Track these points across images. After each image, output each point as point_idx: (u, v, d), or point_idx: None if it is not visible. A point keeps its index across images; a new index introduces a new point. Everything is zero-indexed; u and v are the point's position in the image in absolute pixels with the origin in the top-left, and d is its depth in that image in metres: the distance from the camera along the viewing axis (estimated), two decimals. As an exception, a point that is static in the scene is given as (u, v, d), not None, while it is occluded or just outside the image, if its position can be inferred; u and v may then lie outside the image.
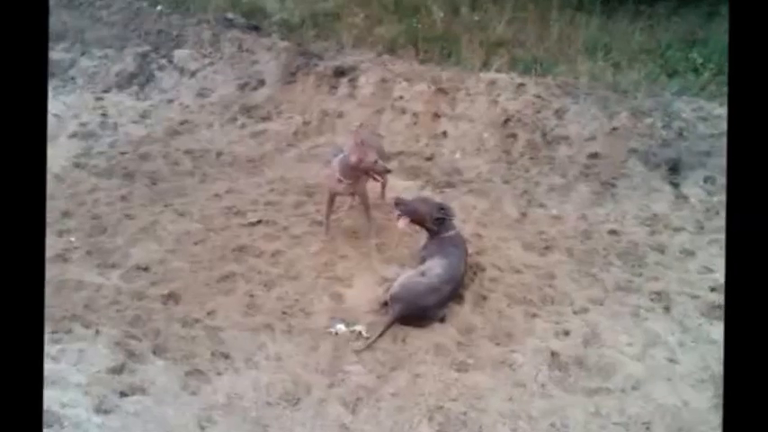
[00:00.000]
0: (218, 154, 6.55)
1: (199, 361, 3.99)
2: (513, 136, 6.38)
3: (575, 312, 4.40)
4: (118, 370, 3.80)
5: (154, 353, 4.02)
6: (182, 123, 7.15)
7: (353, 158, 4.83)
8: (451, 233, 4.67)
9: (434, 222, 4.73)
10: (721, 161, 5.75)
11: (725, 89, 6.31)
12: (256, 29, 8.22)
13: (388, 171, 5.06)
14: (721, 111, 6.08)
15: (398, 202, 4.76)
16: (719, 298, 4.39)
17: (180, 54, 8.00)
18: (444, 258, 4.49)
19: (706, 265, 4.85)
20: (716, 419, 3.53)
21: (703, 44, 7.07)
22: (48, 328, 4.04)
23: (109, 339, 4.04)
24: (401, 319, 4.28)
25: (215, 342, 4.16)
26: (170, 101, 7.61)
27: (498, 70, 6.94)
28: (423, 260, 4.61)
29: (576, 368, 3.95)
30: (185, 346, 4.11)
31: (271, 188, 5.93)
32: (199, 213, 5.49)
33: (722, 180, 5.64)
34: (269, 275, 4.74)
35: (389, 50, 7.55)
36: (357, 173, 4.90)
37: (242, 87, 7.55)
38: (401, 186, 5.79)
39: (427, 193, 5.80)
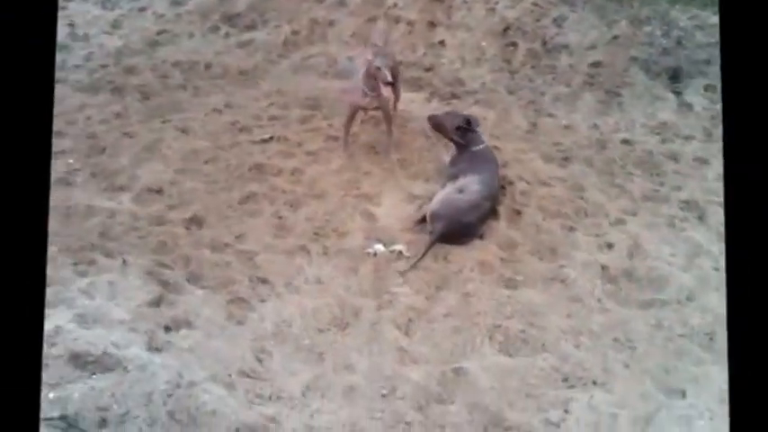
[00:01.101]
0: (207, 66, 5.95)
1: (238, 288, 3.60)
2: (514, 45, 5.98)
3: (611, 224, 4.16)
4: (156, 302, 3.38)
5: (189, 281, 3.61)
6: (159, 33, 6.50)
7: (382, 65, 4.37)
8: (481, 147, 4.31)
9: (456, 133, 4.36)
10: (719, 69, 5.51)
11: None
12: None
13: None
14: (716, 19, 5.78)
15: (429, 117, 4.40)
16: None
17: (148, -41, 7.20)
18: (479, 174, 4.15)
19: (722, 173, 4.63)
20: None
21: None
22: (68, 259, 3.59)
23: (138, 269, 3.59)
24: (442, 236, 3.95)
25: (250, 267, 3.78)
26: (142, 9, 6.89)
27: (492, -24, 6.45)
28: (454, 176, 4.25)
29: (626, 281, 3.73)
30: (220, 272, 3.70)
31: (270, 102, 5.42)
32: (202, 130, 4.96)
33: (726, 88, 5.41)
34: (293, 195, 4.32)
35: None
36: (378, 83, 4.45)
37: (220, -6, 6.86)
38: (406, 98, 5.35)
39: (434, 104, 5.40)
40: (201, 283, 3.60)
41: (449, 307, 3.58)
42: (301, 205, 4.25)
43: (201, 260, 3.76)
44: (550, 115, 5.39)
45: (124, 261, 3.63)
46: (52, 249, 3.63)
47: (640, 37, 5.77)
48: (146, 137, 4.82)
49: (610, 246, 3.95)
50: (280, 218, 4.15)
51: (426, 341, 3.40)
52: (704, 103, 5.37)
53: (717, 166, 4.74)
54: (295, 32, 6.37)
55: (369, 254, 3.93)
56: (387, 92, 4.58)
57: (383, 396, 3.10)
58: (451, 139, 4.43)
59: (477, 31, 6.09)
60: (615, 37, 5.80)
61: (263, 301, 3.56)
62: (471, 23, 6.13)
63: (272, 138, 4.86)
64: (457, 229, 3.96)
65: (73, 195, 4.19)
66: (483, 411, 3.00)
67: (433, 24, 6.23)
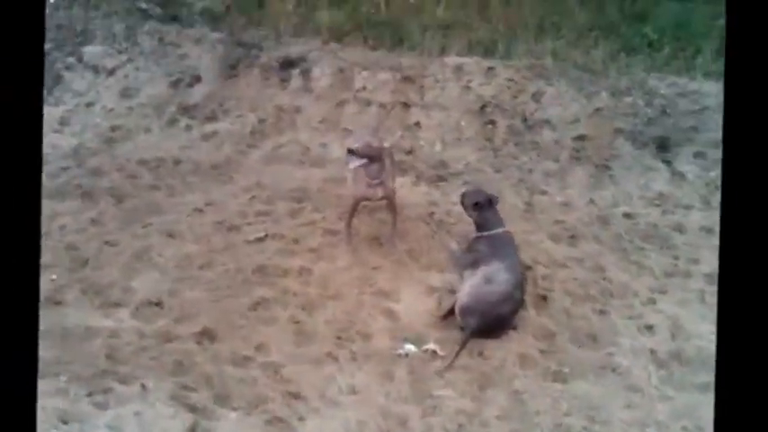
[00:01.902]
0: (176, 162, 5.86)
1: (272, 406, 3.51)
2: (492, 123, 6.14)
3: (643, 304, 4.26)
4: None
5: (217, 403, 3.47)
6: (113, 129, 6.37)
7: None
8: (500, 230, 4.36)
9: (475, 210, 4.39)
10: (707, 136, 5.83)
11: (690, 63, 6.47)
12: (176, 19, 7.46)
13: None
14: (695, 86, 6.15)
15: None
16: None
17: (91, 51, 7.11)
18: (502, 260, 4.18)
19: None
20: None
21: (653, 19, 7.13)
22: (81, 390, 3.41)
23: (161, 394, 3.44)
24: (477, 331, 3.95)
25: (278, 381, 3.69)
26: (89, 104, 6.74)
27: (459, 54, 6.66)
28: (474, 263, 4.27)
29: (678, 364, 3.81)
30: (248, 390, 3.59)
31: (251, 196, 5.36)
32: (189, 232, 4.86)
33: (713, 155, 5.71)
34: (306, 297, 4.26)
35: (334, 38, 7.06)
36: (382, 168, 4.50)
37: (174, 85, 6.79)
38: None
39: (423, 188, 5.47)
40: (232, 404, 3.47)
41: (500, 408, 3.58)
42: (317, 307, 4.19)
43: (225, 378, 3.64)
44: (543, 192, 5.53)
45: (143, 386, 3.47)
46: (61, 380, 3.46)
47: (623, 108, 6.03)
48: (131, 244, 4.67)
49: (649, 328, 4.04)
50: (297, 323, 4.07)
51: (484, 447, 3.36)
52: (696, 171, 5.62)
53: (723, 235, 4.94)
54: (261, 121, 6.36)
55: (400, 355, 3.89)
56: (391, 181, 4.63)
57: None
58: (471, 216, 4.44)
59: (453, 111, 6.23)
60: (597, 109, 6.05)
61: (301, 419, 3.45)
62: (446, 103, 6.27)
63: (266, 236, 4.79)
64: (491, 323, 3.97)
65: (66, 315, 4.01)
66: None
67: (406, 105, 6.34)
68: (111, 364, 3.66)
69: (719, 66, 6.18)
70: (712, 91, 5.96)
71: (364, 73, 6.54)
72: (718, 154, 5.63)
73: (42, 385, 3.31)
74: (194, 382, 3.58)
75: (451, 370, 3.80)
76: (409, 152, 6.02)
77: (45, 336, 3.74)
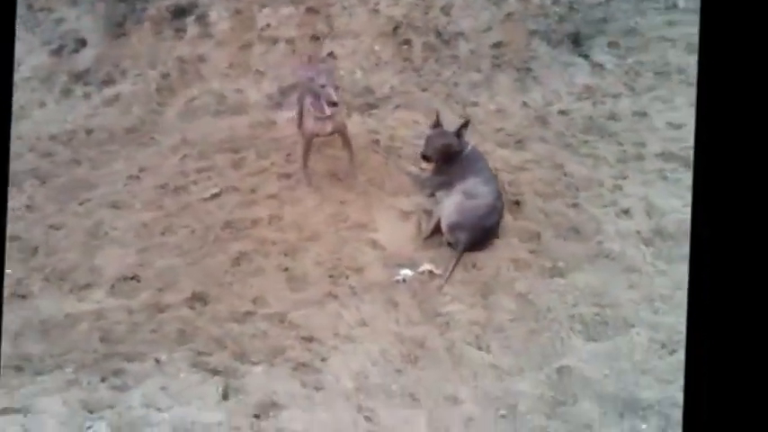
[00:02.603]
0: (88, 132, 5.57)
1: (292, 354, 3.49)
2: (408, 42, 6.16)
3: (610, 191, 4.48)
4: (226, 395, 3.20)
5: (239, 361, 3.42)
6: (3, 109, 5.94)
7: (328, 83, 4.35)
8: (468, 148, 4.42)
9: (459, 144, 4.38)
10: (616, 25, 6.14)
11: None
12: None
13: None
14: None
15: (425, 156, 4.41)
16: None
17: (-49, 29, 6.55)
18: (478, 175, 4.26)
19: (669, 121, 5.14)
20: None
21: None
22: (94, 377, 3.29)
23: (181, 364, 3.36)
24: (469, 245, 4.05)
25: (288, 328, 3.66)
26: (-34, 86, 6.25)
27: (360, -23, 6.60)
28: (447, 183, 4.33)
29: (661, 240, 4.06)
30: (262, 343, 3.56)
31: (182, 155, 5.19)
32: (135, 201, 4.67)
33: (626, 43, 6.00)
34: (286, 244, 4.21)
35: (221, -23, 6.82)
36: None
37: (56, 53, 6.37)
38: None
39: (356, 118, 5.47)
40: (252, 360, 3.43)
41: (511, 312, 3.71)
42: (299, 251, 4.16)
43: (235, 336, 3.58)
44: (474, 104, 5.66)
45: (157, 360, 3.37)
46: (67, 372, 3.32)
47: (532, 9, 6.19)
48: (79, 224, 4.45)
49: (626, 211, 4.27)
50: (285, 270, 4.03)
51: (509, 351, 3.50)
52: (614, 60, 5.89)
53: (657, 117, 5.25)
54: (165, 76, 6.10)
55: (398, 281, 3.95)
56: (336, 112, 4.56)
57: (503, 417, 3.17)
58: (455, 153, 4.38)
59: (365, 36, 6.20)
60: (508, 14, 6.18)
61: (324, 359, 3.46)
62: (357, 29, 6.23)
63: (220, 191, 4.68)
64: (480, 235, 4.08)
65: (38, 307, 3.80)
66: (613, 399, 3.17)
67: (316, 38, 6.26)
68: (111, 346, 3.52)
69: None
70: (615, -19, 6.23)
71: (265, 10, 6.37)
72: (630, 41, 5.97)
73: (50, 381, 3.20)
74: (206, 347, 3.51)
75: (451, 285, 3.89)
76: (330, 84, 5.97)
77: (24, 331, 3.60)
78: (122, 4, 6.57)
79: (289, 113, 5.34)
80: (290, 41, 6.25)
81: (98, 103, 5.97)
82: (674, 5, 6.25)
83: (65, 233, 4.39)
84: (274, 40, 6.26)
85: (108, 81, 6.17)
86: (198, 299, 3.85)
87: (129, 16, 6.50)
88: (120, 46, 6.39)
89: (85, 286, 3.97)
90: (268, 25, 6.32)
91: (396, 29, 6.22)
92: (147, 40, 6.38)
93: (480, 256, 4.08)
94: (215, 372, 3.32)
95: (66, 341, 3.57)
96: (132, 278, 4.01)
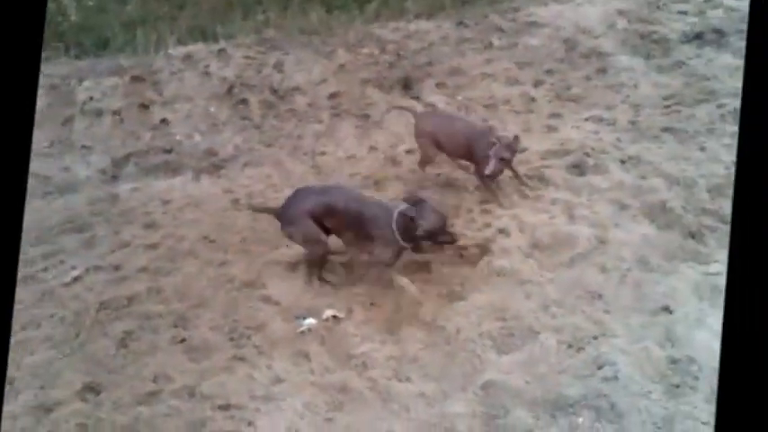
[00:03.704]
0: None
1: (218, 425, 3.30)
2: (244, 101, 6.18)
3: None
4: None
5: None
6: None
7: None
8: None
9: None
10: (441, 68, 6.50)
11: (400, 6, 7.07)
12: None
13: None
14: (414, 26, 6.77)
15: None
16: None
17: None
18: None
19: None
20: None
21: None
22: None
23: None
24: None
25: (205, 400, 3.45)
26: None
27: (182, 43, 6.55)
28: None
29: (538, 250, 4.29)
30: (184, 419, 3.33)
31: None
32: None
33: (453, 82, 6.36)
34: (175, 314, 4.00)
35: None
36: None
37: None
38: (164, 186, 5.29)
39: (205, 182, 5.38)
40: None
41: (421, 340, 3.73)
42: (191, 320, 3.97)
43: (147, 420, 3.32)
44: (322, 153, 5.73)
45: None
46: None
47: (362, 59, 6.42)
48: None
49: (502, 231, 4.48)
50: (182, 341, 3.82)
51: (429, 378, 3.52)
52: (444, 99, 6.19)
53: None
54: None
55: (304, 332, 3.86)
56: None
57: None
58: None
59: (198, 99, 6.14)
60: (341, 66, 6.37)
61: (250, 423, 3.29)
62: (189, 93, 6.16)
63: (80, 273, 4.38)
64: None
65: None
66: (542, 403, 3.28)
67: (144, 106, 6.10)
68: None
69: (427, 3, 6.90)
70: (431, 28, 6.61)
71: (86, 83, 6.14)
72: (456, 80, 6.34)
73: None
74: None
75: (357, 327, 3.86)
76: (168, 150, 5.83)
77: None
78: None
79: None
80: (116, 112, 6.05)
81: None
82: (491, 44, 6.74)
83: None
84: (98, 112, 6.04)
85: None
86: (89, 390, 3.54)
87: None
88: None
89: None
90: (90, 98, 6.09)
91: (230, 89, 6.21)
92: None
93: (377, 294, 4.10)
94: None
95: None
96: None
